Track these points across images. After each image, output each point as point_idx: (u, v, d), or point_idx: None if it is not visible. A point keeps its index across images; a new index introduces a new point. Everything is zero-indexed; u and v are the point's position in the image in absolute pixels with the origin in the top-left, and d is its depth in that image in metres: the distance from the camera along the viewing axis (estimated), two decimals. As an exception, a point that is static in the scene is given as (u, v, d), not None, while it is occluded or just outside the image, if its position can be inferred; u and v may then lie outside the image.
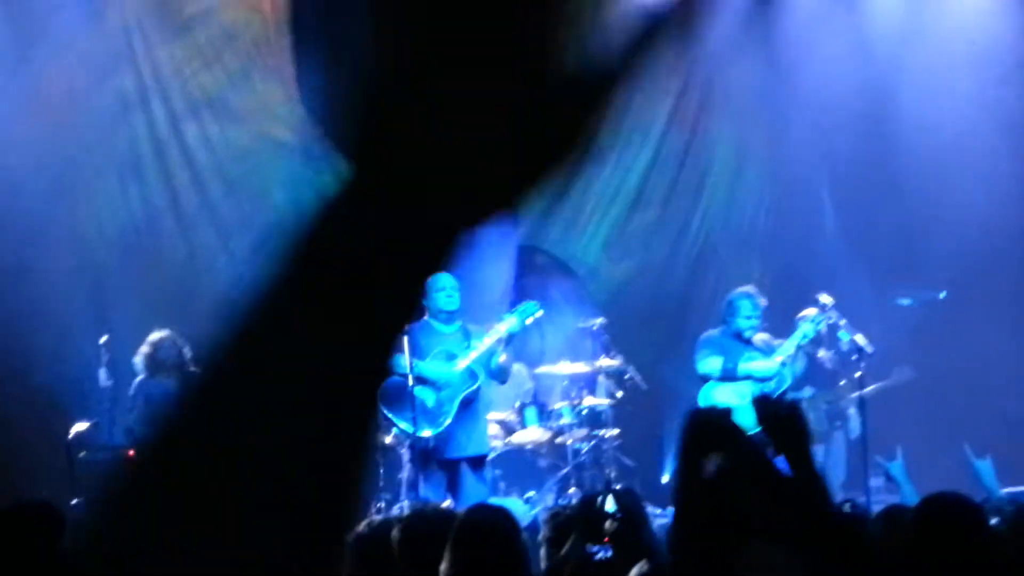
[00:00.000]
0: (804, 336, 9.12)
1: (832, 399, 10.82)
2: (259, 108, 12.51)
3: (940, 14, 12.62)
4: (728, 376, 9.05)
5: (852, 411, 10.85)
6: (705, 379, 9.17)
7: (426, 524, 4.16)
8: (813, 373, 10.54)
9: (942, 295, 12.38)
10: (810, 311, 9.52)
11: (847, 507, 5.67)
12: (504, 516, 4.01)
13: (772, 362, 9.03)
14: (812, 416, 10.59)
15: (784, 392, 9.15)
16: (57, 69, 11.39)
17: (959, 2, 12.57)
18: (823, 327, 9.29)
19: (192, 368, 10.05)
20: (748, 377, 9.02)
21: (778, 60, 13.10)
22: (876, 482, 10.77)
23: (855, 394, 10.66)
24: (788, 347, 9.12)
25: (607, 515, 4.39)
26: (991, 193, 11.99)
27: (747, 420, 8.90)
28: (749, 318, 9.12)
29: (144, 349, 10.10)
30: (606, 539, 4.33)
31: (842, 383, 10.84)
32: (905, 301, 12.32)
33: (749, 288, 9.32)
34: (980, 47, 12.34)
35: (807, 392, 10.68)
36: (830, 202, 13.29)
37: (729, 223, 13.55)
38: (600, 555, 4.16)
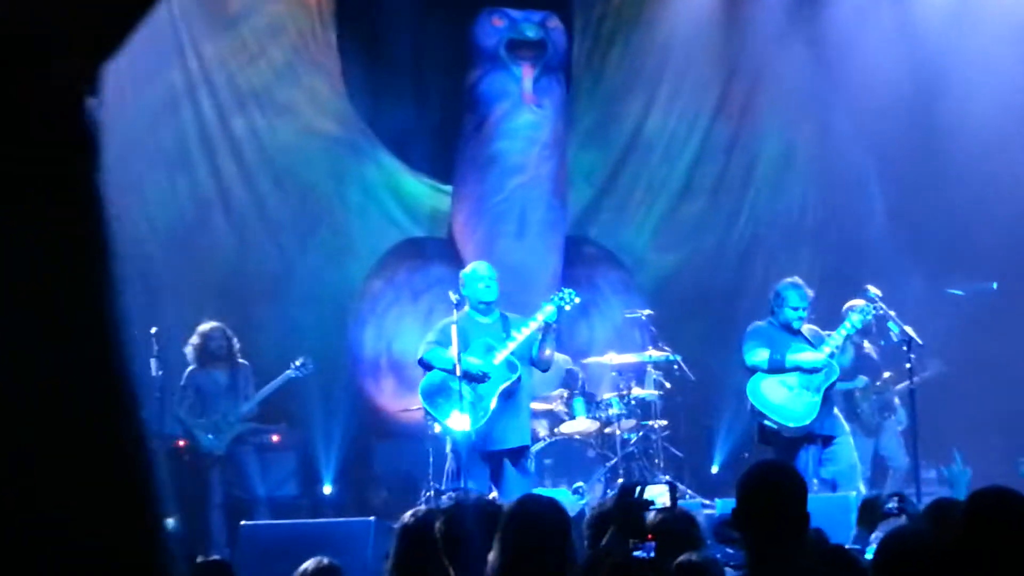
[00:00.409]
0: (853, 327, 9.03)
1: (880, 390, 10.74)
2: (305, 102, 12.59)
3: (988, 1, 12.51)
4: (776, 368, 8.97)
5: (897, 402, 10.77)
6: (753, 370, 9.10)
7: (468, 516, 4.15)
8: (862, 364, 10.48)
9: (994, 285, 12.25)
10: (858, 302, 9.44)
11: (894, 502, 5.60)
12: (553, 506, 4.00)
13: (820, 353, 8.94)
14: (865, 406, 10.52)
15: (834, 383, 9.06)
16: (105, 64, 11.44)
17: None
18: (871, 318, 9.19)
19: (241, 359, 10.14)
20: (797, 368, 8.93)
21: (824, 50, 13.01)
22: (928, 474, 10.72)
23: (902, 385, 10.58)
24: (836, 338, 9.02)
25: (645, 505, 4.37)
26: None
27: (796, 411, 8.86)
28: (796, 309, 9.02)
29: (194, 340, 10.21)
30: (649, 536, 4.30)
31: (887, 375, 10.75)
32: (957, 292, 12.20)
33: (796, 279, 9.23)
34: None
35: (860, 382, 10.60)
36: (879, 192, 13.18)
37: (777, 214, 13.49)
38: (641, 553, 4.13)
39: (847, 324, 9.03)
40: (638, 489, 4.47)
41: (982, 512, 3.77)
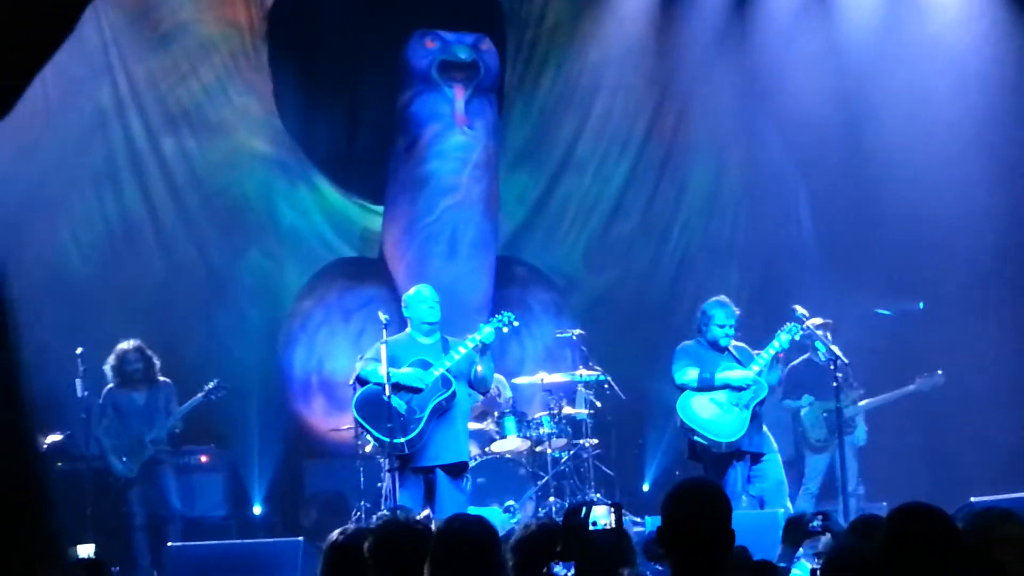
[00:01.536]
0: (781, 345, 9.11)
1: (831, 409, 10.65)
2: (236, 121, 12.51)
3: (917, 23, 12.66)
4: (705, 386, 9.03)
5: (860, 419, 10.79)
6: (682, 388, 9.15)
7: (398, 534, 4.11)
8: (813, 382, 10.52)
9: (920, 305, 12.40)
10: (816, 320, 9.56)
11: (819, 520, 5.64)
12: (483, 526, 3.97)
13: (749, 371, 9.02)
14: (809, 424, 10.58)
15: (762, 400, 9.13)
16: (33, 82, 11.32)
17: (936, 11, 12.60)
18: (799, 337, 9.27)
19: (162, 378, 10.02)
20: (726, 386, 9.00)
21: (755, 72, 13.14)
22: (863, 489, 10.80)
23: (864, 402, 10.66)
24: (765, 356, 9.11)
25: (589, 526, 4.36)
26: (968, 202, 12.01)
27: (727, 427, 8.91)
28: (723, 326, 9.11)
29: (111, 359, 10.07)
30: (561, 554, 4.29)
31: (858, 392, 10.72)
32: (884, 311, 12.34)
33: (722, 297, 9.31)
34: (957, 56, 12.37)
35: (806, 400, 10.64)
36: (807, 213, 13.31)
37: (708, 233, 13.58)
38: (560, 571, 4.12)
39: (775, 343, 9.12)
40: (583, 510, 4.46)
41: (902, 527, 3.81)
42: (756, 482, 9.09)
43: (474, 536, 3.88)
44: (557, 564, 3.96)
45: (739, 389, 8.94)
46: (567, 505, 8.69)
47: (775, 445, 9.33)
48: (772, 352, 9.07)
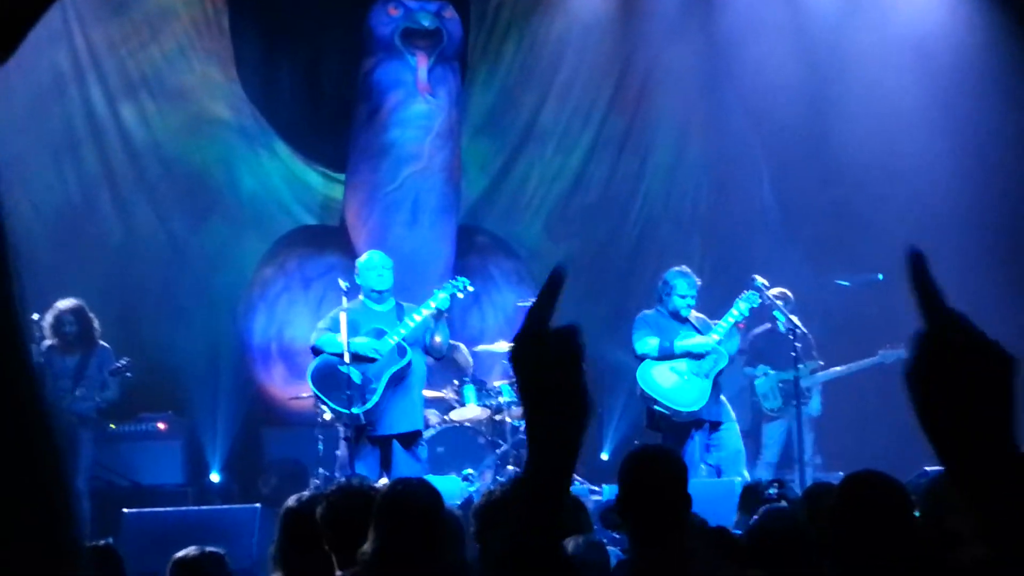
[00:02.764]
0: (741, 314, 9.13)
1: (787, 379, 10.63)
2: (197, 87, 12.42)
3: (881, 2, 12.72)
4: (666, 355, 9.05)
5: (816, 390, 10.78)
6: (643, 358, 9.16)
7: (350, 500, 4.10)
8: (770, 351, 10.53)
9: (880, 277, 12.42)
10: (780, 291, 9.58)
11: (775, 488, 5.67)
12: (426, 490, 3.95)
13: (708, 339, 9.04)
14: (762, 394, 10.60)
15: (722, 369, 9.15)
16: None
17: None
18: (757, 304, 9.29)
19: (102, 342, 9.83)
20: (686, 354, 9.02)
21: (717, 43, 13.11)
22: (820, 459, 10.85)
23: (823, 373, 10.66)
24: (723, 325, 9.13)
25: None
26: (929, 175, 12.06)
27: (687, 396, 8.92)
28: (684, 296, 9.12)
29: (48, 317, 9.72)
30: None
31: (817, 362, 10.69)
32: (843, 283, 12.36)
33: (684, 267, 9.32)
34: (920, 30, 12.41)
35: (760, 370, 10.66)
36: (769, 184, 13.33)
37: (669, 205, 13.57)
38: None
39: (733, 311, 9.14)
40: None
41: (853, 494, 3.81)
42: (714, 451, 9.13)
43: (416, 500, 3.86)
44: None
45: (699, 357, 8.96)
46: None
47: (733, 414, 9.37)
48: (731, 321, 9.10)
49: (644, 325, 9.21)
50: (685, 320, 9.15)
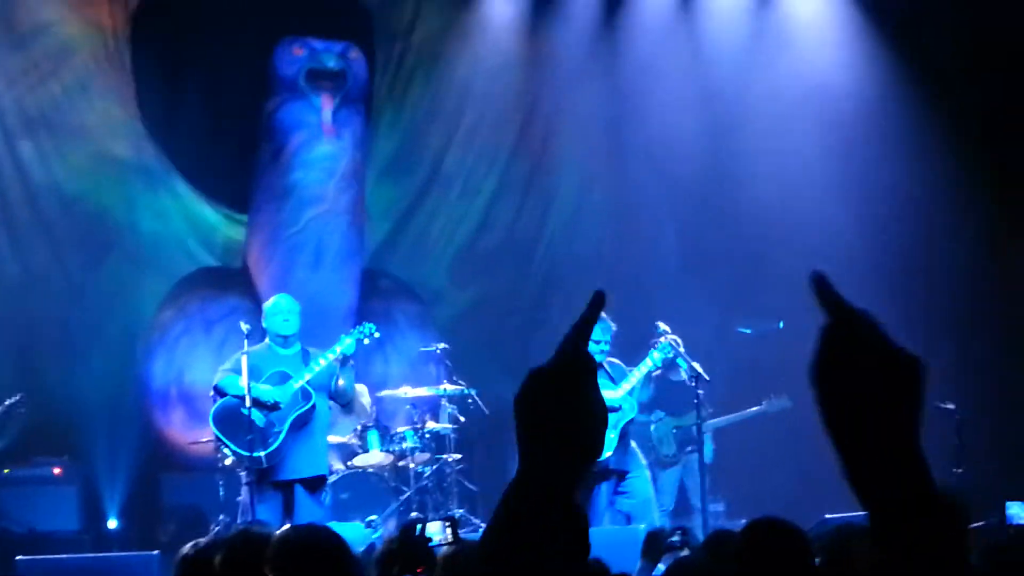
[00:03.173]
0: (654, 364, 9.15)
1: (681, 424, 10.77)
2: (98, 125, 12.30)
3: (777, 38, 13.00)
4: None
5: (708, 436, 10.88)
6: None
7: (250, 547, 4.08)
8: (665, 398, 10.62)
9: (780, 325, 12.59)
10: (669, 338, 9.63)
11: (678, 535, 5.73)
12: (326, 535, 3.93)
13: (617, 391, 8.99)
14: (658, 439, 10.67)
15: (630, 421, 9.12)
16: None
17: (797, 25, 12.95)
18: (671, 354, 9.32)
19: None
20: None
21: (621, 89, 13.30)
22: (716, 507, 10.95)
23: (715, 420, 10.79)
24: (635, 376, 9.12)
25: (425, 542, 4.37)
26: (828, 222, 12.29)
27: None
28: (598, 343, 9.04)
29: None
30: (419, 569, 4.30)
31: (709, 410, 10.80)
32: (745, 330, 12.52)
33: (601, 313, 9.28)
34: (821, 79, 12.69)
35: (655, 415, 10.74)
36: (672, 227, 13.46)
37: (573, 248, 13.66)
38: None
39: (647, 361, 9.15)
40: (418, 527, 4.46)
41: (756, 542, 3.90)
42: (624, 499, 9.12)
43: (316, 546, 3.84)
44: None
45: (609, 410, 8.96)
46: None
47: (644, 461, 9.38)
48: (644, 370, 9.10)
49: None
50: (599, 366, 9.13)
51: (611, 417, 8.91)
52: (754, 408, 11.04)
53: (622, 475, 9.15)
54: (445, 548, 4.54)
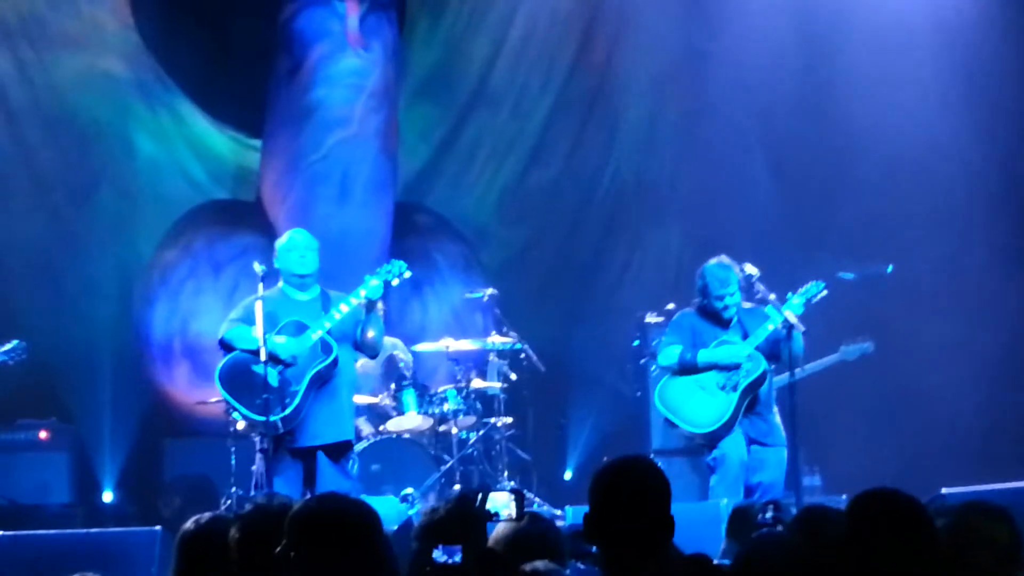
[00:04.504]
0: (793, 310, 8.88)
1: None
2: (85, 35, 12.34)
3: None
4: (687, 368, 8.84)
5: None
6: (665, 371, 8.98)
7: (268, 523, 4.06)
8: None
9: (889, 269, 12.49)
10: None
11: (770, 511, 5.68)
12: (355, 506, 3.90)
13: (742, 347, 8.78)
14: None
15: (759, 379, 8.85)
16: None
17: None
18: (817, 297, 9.03)
19: None
20: (713, 366, 8.81)
21: (703, -7, 13.16)
22: (810, 481, 10.90)
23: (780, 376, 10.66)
24: (768, 327, 8.91)
25: (487, 516, 4.35)
26: (939, 156, 12.14)
27: (704, 414, 8.78)
28: (720, 297, 8.78)
29: None
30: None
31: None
32: (848, 275, 12.41)
33: (723, 258, 9.03)
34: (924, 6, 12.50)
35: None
36: (761, 158, 13.34)
37: (643, 182, 13.60)
38: (444, 558, 4.10)
39: (785, 306, 8.84)
40: (479, 497, 4.44)
41: (868, 517, 3.82)
42: (753, 472, 8.89)
43: (344, 518, 3.81)
44: (438, 549, 3.94)
45: (728, 368, 8.79)
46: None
47: (783, 436, 9.06)
48: (781, 319, 8.79)
49: (674, 330, 9.03)
50: (728, 322, 8.95)
51: (731, 377, 8.75)
52: (832, 356, 10.89)
53: (762, 447, 8.90)
54: (504, 524, 4.53)
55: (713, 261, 8.96)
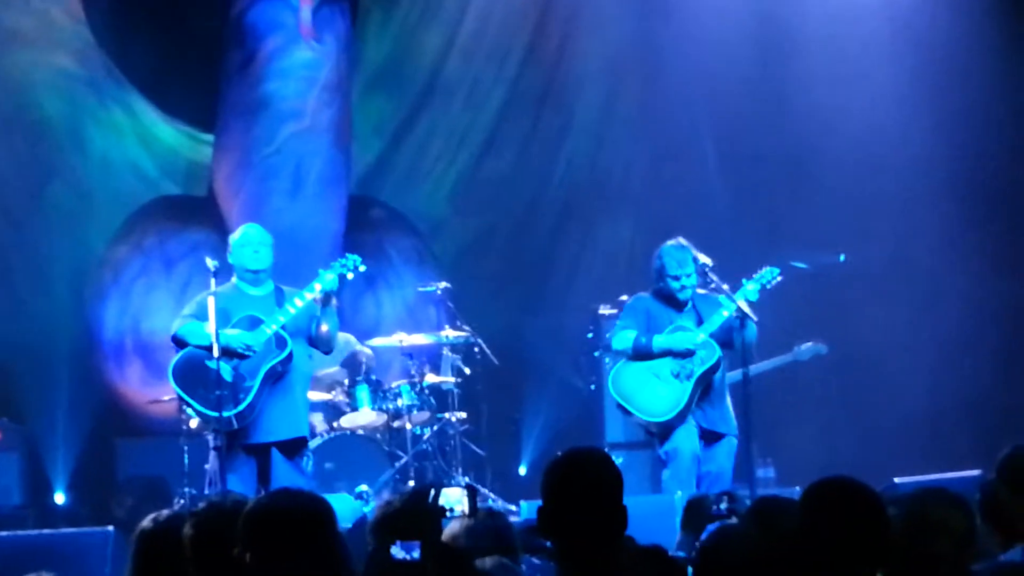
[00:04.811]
0: (747, 297, 8.82)
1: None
2: (35, 29, 12.27)
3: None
4: (641, 353, 8.78)
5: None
6: (619, 356, 8.92)
7: (222, 521, 4.05)
8: None
9: (841, 258, 12.55)
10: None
11: (724, 502, 5.69)
12: (309, 501, 3.88)
13: (695, 334, 8.71)
14: None
15: (714, 367, 8.80)
16: None
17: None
18: (771, 283, 8.97)
19: None
20: (667, 352, 8.75)
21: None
22: (764, 472, 10.94)
23: (732, 372, 10.66)
24: (722, 314, 8.86)
25: (440, 511, 4.35)
26: (890, 147, 12.19)
27: (659, 402, 8.72)
28: (677, 278, 8.72)
29: None
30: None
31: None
32: (801, 264, 12.45)
33: (680, 240, 8.99)
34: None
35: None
36: (714, 148, 13.35)
37: (596, 174, 13.59)
38: (401, 555, 4.10)
39: (740, 293, 8.78)
40: (432, 493, 4.44)
41: (821, 505, 3.84)
42: (705, 464, 8.84)
43: (297, 515, 3.80)
44: (396, 545, 3.93)
45: (682, 356, 8.73)
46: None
47: (735, 426, 9.03)
48: (735, 306, 8.75)
49: (629, 313, 8.94)
50: (683, 304, 8.90)
51: (685, 364, 8.69)
52: (783, 356, 10.93)
53: (712, 436, 8.84)
54: (456, 520, 4.53)
55: (671, 242, 8.91)
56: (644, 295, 9.01)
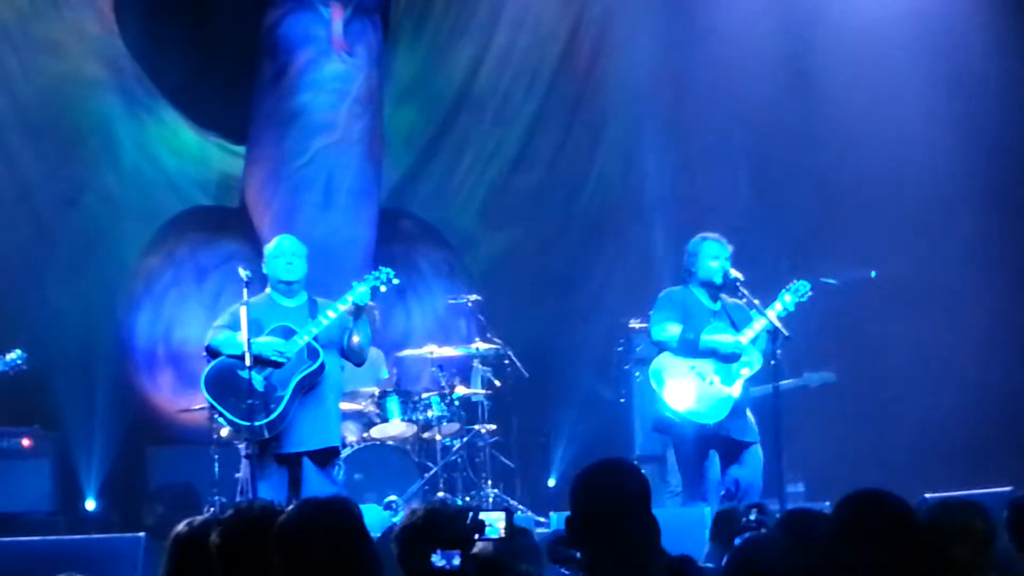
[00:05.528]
0: (784, 309, 8.73)
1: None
2: (69, 41, 12.32)
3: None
4: (687, 349, 8.66)
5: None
6: (660, 347, 8.80)
7: (250, 528, 4.06)
8: None
9: (873, 274, 12.52)
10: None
11: (754, 514, 5.70)
12: (343, 508, 3.90)
13: (740, 337, 8.63)
14: None
15: (753, 376, 8.72)
16: None
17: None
18: (805, 298, 8.90)
19: None
20: (712, 353, 8.65)
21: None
22: (793, 488, 10.90)
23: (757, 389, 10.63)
24: (759, 322, 8.74)
25: (479, 527, 4.38)
26: (924, 159, 12.15)
27: (706, 405, 8.67)
28: (716, 258, 8.68)
29: None
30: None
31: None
32: (830, 280, 12.42)
33: (707, 233, 8.95)
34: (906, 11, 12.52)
35: None
36: (745, 164, 13.34)
37: (627, 188, 13.59)
38: (443, 564, 4.13)
39: (777, 304, 8.70)
40: (471, 514, 4.47)
41: (854, 517, 3.85)
42: (737, 467, 8.72)
43: (329, 524, 3.82)
44: (437, 553, 3.96)
45: (728, 359, 8.61)
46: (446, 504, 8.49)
47: (757, 432, 8.94)
48: (773, 315, 8.61)
49: (667, 305, 8.82)
50: (719, 292, 8.78)
51: (730, 369, 8.60)
52: (791, 381, 10.81)
53: (739, 446, 8.76)
54: (484, 542, 4.55)
55: (699, 235, 8.87)
56: (676, 289, 8.93)
